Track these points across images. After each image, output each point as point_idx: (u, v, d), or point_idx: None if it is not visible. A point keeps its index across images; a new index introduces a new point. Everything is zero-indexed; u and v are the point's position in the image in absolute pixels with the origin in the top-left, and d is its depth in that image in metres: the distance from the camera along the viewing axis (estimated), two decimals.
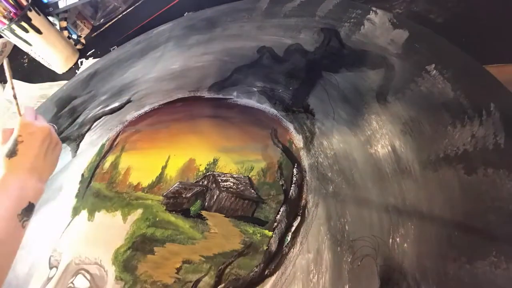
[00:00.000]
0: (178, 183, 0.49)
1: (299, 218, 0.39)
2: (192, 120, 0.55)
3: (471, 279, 0.28)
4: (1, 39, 1.05)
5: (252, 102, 0.51)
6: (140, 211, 0.49)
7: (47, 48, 0.87)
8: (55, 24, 0.94)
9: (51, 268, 0.52)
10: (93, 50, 0.94)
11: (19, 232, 0.43)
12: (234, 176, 0.45)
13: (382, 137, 0.39)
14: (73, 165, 0.63)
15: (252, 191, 0.43)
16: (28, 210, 0.44)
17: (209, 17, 0.66)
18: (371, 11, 0.48)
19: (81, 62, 0.94)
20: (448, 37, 0.41)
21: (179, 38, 0.68)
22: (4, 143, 0.48)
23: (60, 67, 0.93)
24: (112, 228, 0.50)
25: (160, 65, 0.66)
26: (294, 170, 0.42)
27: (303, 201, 0.39)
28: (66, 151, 0.66)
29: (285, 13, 0.56)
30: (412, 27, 0.44)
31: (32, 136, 0.47)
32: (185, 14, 0.73)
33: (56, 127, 0.55)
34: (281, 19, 0.56)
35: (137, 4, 0.93)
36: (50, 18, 0.92)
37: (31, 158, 0.47)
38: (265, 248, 0.38)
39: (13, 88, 0.53)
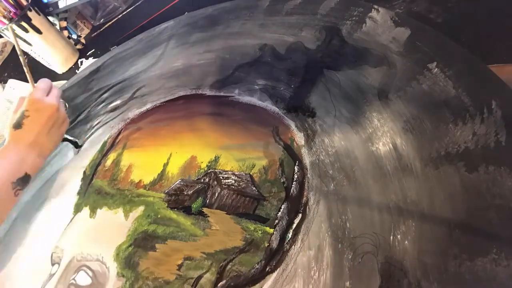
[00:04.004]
0: (179, 180, 0.49)
1: (300, 215, 0.39)
2: (193, 117, 0.55)
3: (471, 276, 0.28)
4: (1, 39, 1.06)
5: (253, 100, 0.52)
6: (141, 208, 0.49)
7: (47, 48, 0.87)
8: (55, 24, 0.94)
9: (53, 264, 0.52)
10: (93, 50, 0.94)
11: (10, 199, 0.46)
12: (236, 173, 0.45)
13: (384, 135, 0.39)
14: (75, 163, 0.64)
15: (254, 188, 0.43)
16: (24, 181, 0.47)
17: (211, 15, 0.66)
18: (373, 9, 0.48)
19: (81, 62, 0.94)
20: (448, 37, 0.41)
21: (181, 36, 0.68)
22: (16, 112, 0.49)
23: (60, 67, 0.93)
24: (114, 225, 0.50)
25: (162, 62, 0.66)
26: (296, 168, 0.42)
27: (304, 198, 0.39)
28: (68, 148, 0.67)
29: (287, 11, 0.56)
30: (413, 25, 0.44)
31: (38, 113, 0.48)
32: (185, 14, 0.74)
33: (67, 105, 0.54)
34: (283, 17, 0.56)
35: (137, 4, 0.94)
36: (50, 18, 0.92)
37: (34, 134, 0.48)
38: (266, 245, 0.38)
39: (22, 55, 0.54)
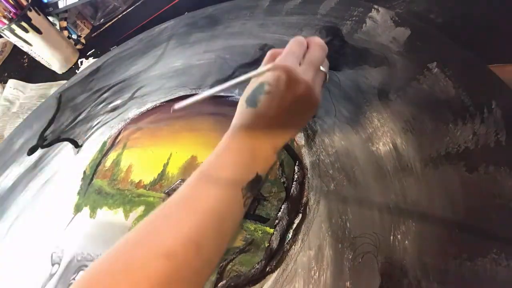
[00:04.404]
0: (180, 180, 0.49)
1: (300, 215, 0.39)
2: (193, 117, 0.55)
3: (471, 275, 0.28)
4: (1, 39, 1.06)
5: None
6: (142, 208, 0.49)
7: (47, 48, 0.88)
8: (55, 24, 0.94)
9: (53, 264, 0.52)
10: (93, 50, 0.94)
11: (239, 212, 0.31)
12: None
13: (384, 135, 0.39)
14: (75, 163, 0.64)
15: None
16: (254, 185, 0.32)
17: (211, 15, 0.66)
18: (373, 9, 0.48)
19: (81, 62, 0.94)
20: (448, 37, 0.41)
21: (181, 36, 0.68)
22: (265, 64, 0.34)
23: (60, 67, 0.93)
24: (114, 225, 0.50)
25: (162, 62, 0.66)
26: (296, 168, 0.42)
27: (305, 198, 0.39)
28: (68, 148, 0.67)
29: (287, 11, 0.56)
30: (413, 25, 0.44)
31: (284, 90, 0.32)
32: (185, 14, 0.74)
33: (327, 78, 0.36)
34: (283, 17, 0.56)
35: (137, 4, 0.94)
36: (50, 18, 0.93)
37: (272, 118, 0.33)
38: (266, 245, 0.38)
39: None
